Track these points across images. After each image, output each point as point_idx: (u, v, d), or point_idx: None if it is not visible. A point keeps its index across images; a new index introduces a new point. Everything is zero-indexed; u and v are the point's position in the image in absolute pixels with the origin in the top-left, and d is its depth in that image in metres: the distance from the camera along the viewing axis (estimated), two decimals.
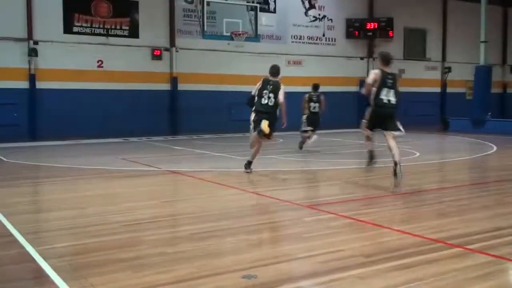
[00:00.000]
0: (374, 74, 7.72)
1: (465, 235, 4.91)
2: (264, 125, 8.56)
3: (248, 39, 17.41)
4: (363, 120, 7.79)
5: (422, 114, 22.84)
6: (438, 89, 25.35)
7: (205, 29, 16.89)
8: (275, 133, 9.35)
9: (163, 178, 8.94)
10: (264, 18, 19.73)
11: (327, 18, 22.02)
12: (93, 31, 17.30)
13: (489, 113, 19.44)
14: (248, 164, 9.02)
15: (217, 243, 4.67)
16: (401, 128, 7.44)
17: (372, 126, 7.62)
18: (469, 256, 4.24)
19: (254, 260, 4.15)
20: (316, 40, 21.83)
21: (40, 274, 3.91)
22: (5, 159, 11.12)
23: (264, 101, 8.78)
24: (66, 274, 3.81)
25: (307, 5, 21.52)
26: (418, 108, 23.01)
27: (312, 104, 12.66)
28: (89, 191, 7.47)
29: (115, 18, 17.66)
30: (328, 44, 22.11)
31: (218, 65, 19.21)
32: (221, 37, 17.44)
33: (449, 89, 25.42)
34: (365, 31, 22.40)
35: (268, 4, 20.36)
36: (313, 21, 21.69)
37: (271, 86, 8.85)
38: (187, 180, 8.52)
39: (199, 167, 9.78)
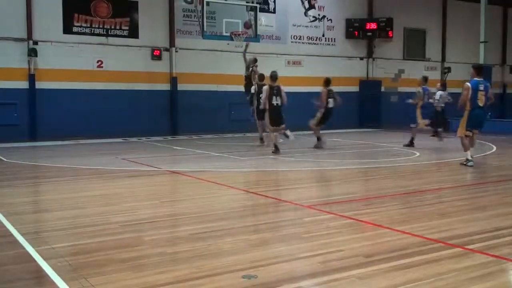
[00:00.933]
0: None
1: (465, 235, 4.91)
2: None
3: (248, 39, 17.39)
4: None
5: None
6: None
7: (205, 29, 16.86)
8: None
9: (163, 178, 8.94)
10: (263, 18, 19.72)
11: (327, 18, 22.02)
12: (92, 31, 17.30)
13: (489, 113, 19.43)
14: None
15: (217, 243, 4.67)
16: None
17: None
18: (469, 256, 4.24)
19: (254, 260, 4.15)
20: (316, 40, 21.82)
21: (40, 274, 3.91)
22: (5, 159, 11.12)
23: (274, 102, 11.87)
24: (66, 274, 3.81)
25: (306, 5, 21.52)
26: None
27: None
28: (89, 191, 7.46)
29: (114, 18, 17.65)
30: (328, 44, 22.11)
31: (218, 65, 19.21)
32: (220, 37, 17.43)
33: (449, 89, 25.38)
34: (364, 31, 22.39)
35: (267, 4, 20.36)
36: (313, 21, 21.68)
37: (275, 91, 11.87)
38: (187, 180, 8.51)
39: (199, 167, 9.78)
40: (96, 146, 14.35)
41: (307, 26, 21.51)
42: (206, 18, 16.82)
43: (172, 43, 18.57)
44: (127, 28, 17.87)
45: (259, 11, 18.17)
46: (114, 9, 17.60)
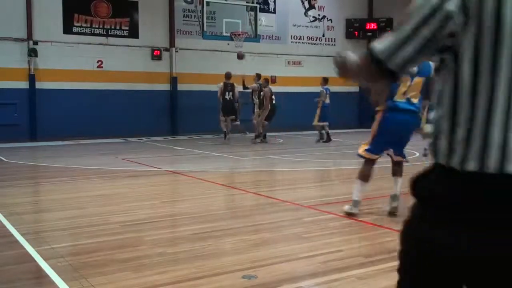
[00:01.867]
0: None
1: None
2: None
3: (248, 39, 17.40)
4: None
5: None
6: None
7: (205, 29, 16.88)
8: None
9: (163, 178, 8.94)
10: (263, 19, 19.73)
11: (327, 18, 22.02)
12: (92, 31, 17.30)
13: None
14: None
15: (217, 243, 4.67)
16: None
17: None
18: None
19: (254, 260, 4.16)
20: (316, 40, 21.83)
21: (40, 275, 3.91)
22: (5, 159, 11.12)
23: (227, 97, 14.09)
24: (66, 275, 3.81)
25: (306, 6, 21.52)
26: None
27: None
28: (89, 191, 7.46)
29: (114, 18, 17.65)
30: (328, 44, 22.11)
31: (218, 65, 19.19)
32: (220, 37, 17.44)
33: None
34: (365, 31, 22.40)
35: (267, 4, 20.36)
36: (313, 21, 21.69)
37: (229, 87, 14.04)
38: (187, 180, 8.51)
39: (199, 167, 9.78)
40: (96, 146, 14.36)
41: (307, 26, 21.51)
42: (206, 18, 16.83)
43: (172, 43, 18.57)
44: (127, 28, 17.87)
45: (259, 11, 18.18)
46: (114, 9, 17.60)
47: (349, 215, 5.59)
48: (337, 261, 4.11)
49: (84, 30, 17.19)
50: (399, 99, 5.35)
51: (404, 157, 5.77)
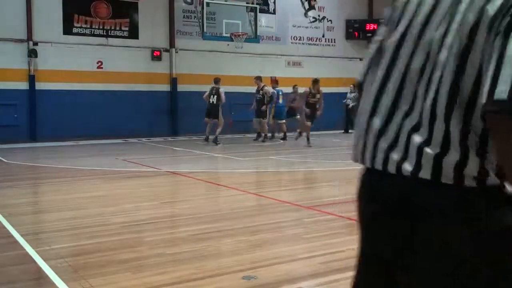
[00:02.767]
0: None
1: None
2: None
3: (248, 40, 17.41)
4: None
5: None
6: None
7: (205, 30, 16.88)
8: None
9: (163, 179, 8.93)
10: (263, 19, 19.73)
11: (327, 19, 22.02)
12: (92, 32, 17.30)
13: None
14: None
15: (217, 244, 4.67)
16: None
17: None
18: None
19: (254, 261, 4.15)
20: (316, 41, 21.82)
21: (40, 275, 3.91)
22: (5, 160, 11.12)
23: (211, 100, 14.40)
24: (66, 275, 3.80)
25: (306, 6, 21.52)
26: None
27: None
28: (89, 192, 7.46)
29: (114, 19, 17.65)
30: (328, 45, 22.11)
31: (218, 66, 19.19)
32: (220, 38, 17.44)
33: None
34: (365, 32, 22.38)
35: (267, 5, 20.36)
36: (313, 22, 21.68)
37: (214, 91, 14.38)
38: (187, 181, 8.51)
39: (199, 168, 9.78)
40: (96, 147, 14.36)
41: (307, 27, 21.51)
42: (206, 19, 16.83)
43: (172, 44, 18.57)
44: (127, 29, 17.87)
45: (259, 12, 18.19)
46: (114, 10, 17.60)
47: None
48: (337, 261, 4.11)
49: (84, 31, 17.18)
50: None
51: None
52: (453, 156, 1.19)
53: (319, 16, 21.83)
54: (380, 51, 1.42)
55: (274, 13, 20.62)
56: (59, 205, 6.60)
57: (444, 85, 1.20)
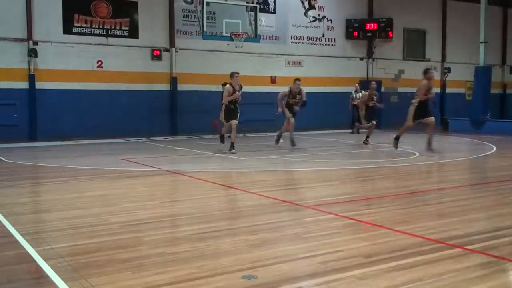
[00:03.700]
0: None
1: (465, 235, 4.91)
2: None
3: (248, 39, 17.40)
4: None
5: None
6: (437, 90, 25.32)
7: (205, 29, 16.87)
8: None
9: (163, 178, 8.94)
10: (263, 19, 19.73)
11: (327, 18, 22.02)
12: (92, 32, 17.30)
13: (489, 114, 19.46)
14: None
15: (217, 244, 4.67)
16: None
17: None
18: (469, 257, 4.23)
19: (254, 260, 4.15)
20: (316, 40, 21.83)
21: (40, 275, 3.91)
22: (5, 160, 11.12)
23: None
24: (66, 275, 3.81)
25: (306, 6, 21.52)
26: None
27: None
28: (89, 191, 7.46)
29: (114, 19, 17.65)
30: (328, 44, 22.11)
31: (218, 66, 19.20)
32: (220, 37, 17.43)
33: (448, 90, 25.43)
34: (364, 32, 22.39)
35: (267, 4, 20.36)
36: (313, 21, 21.69)
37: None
38: (187, 181, 8.51)
39: (199, 168, 9.78)
40: (96, 146, 14.36)
41: (307, 27, 21.51)
42: (206, 19, 16.82)
43: (172, 43, 18.57)
44: (127, 28, 17.87)
45: (259, 12, 18.17)
46: (114, 9, 17.60)
47: None
48: (337, 261, 4.11)
49: (84, 30, 17.18)
50: None
51: None
52: None
53: (319, 15, 21.83)
54: None
55: (274, 12, 20.62)
56: (59, 204, 6.60)
57: None
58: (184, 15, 18.82)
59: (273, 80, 20.37)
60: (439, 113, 24.52)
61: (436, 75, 25.10)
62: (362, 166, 10.37)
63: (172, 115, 18.63)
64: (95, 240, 4.78)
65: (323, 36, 21.98)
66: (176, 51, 18.63)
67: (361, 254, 4.29)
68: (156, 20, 18.37)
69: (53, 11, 16.64)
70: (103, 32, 17.48)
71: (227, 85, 12.29)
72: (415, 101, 11.91)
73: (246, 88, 18.41)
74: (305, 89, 20.77)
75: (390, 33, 22.32)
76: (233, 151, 11.94)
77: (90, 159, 11.37)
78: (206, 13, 16.80)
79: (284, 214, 6.03)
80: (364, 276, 3.76)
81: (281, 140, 13.52)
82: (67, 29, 16.92)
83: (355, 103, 18.33)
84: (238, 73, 12.23)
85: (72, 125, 16.59)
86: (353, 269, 3.92)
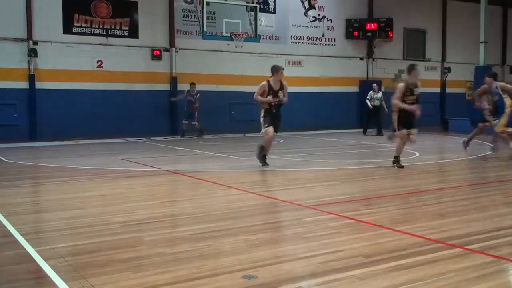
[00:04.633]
0: None
1: (465, 235, 4.91)
2: None
3: (248, 39, 17.41)
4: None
5: (422, 114, 22.80)
6: (437, 90, 25.35)
7: (205, 29, 16.87)
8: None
9: (163, 178, 8.94)
10: (263, 19, 19.73)
11: (327, 18, 22.02)
12: (92, 32, 17.30)
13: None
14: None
15: (217, 244, 4.67)
16: None
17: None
18: (469, 257, 4.24)
19: (254, 260, 4.15)
20: (316, 40, 21.82)
21: (40, 275, 3.91)
22: (5, 159, 11.12)
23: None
24: (66, 275, 3.81)
25: (306, 6, 21.52)
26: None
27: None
28: (89, 191, 7.46)
29: (114, 19, 17.65)
30: (328, 44, 22.11)
31: (218, 66, 19.22)
32: (220, 37, 17.44)
33: (448, 90, 25.43)
34: (364, 32, 22.39)
35: (267, 4, 20.36)
36: (313, 21, 21.68)
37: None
38: (187, 181, 8.51)
39: (199, 167, 9.78)
40: (96, 146, 14.36)
41: (307, 26, 21.51)
42: (206, 18, 16.83)
43: (172, 43, 18.57)
44: (127, 28, 17.87)
45: (259, 11, 18.18)
46: (114, 9, 17.60)
47: None
48: (337, 261, 4.11)
49: (84, 30, 17.18)
50: None
51: None
52: None
53: (319, 15, 21.83)
54: None
55: (274, 12, 20.62)
56: (59, 204, 6.60)
57: None
58: (184, 15, 18.82)
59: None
60: (439, 113, 24.57)
61: (436, 75, 25.17)
62: (362, 166, 10.37)
63: (172, 115, 18.63)
64: (95, 240, 4.78)
65: (323, 36, 21.98)
66: (176, 51, 18.63)
67: (361, 254, 4.29)
68: (156, 20, 18.37)
69: (53, 11, 16.64)
70: (103, 32, 17.48)
71: (263, 82, 9.52)
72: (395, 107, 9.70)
73: (245, 88, 18.45)
74: (305, 89, 20.89)
75: (390, 33, 22.32)
76: (265, 164, 9.68)
77: (90, 159, 11.37)
78: (206, 13, 16.80)
79: (284, 214, 6.03)
80: (364, 276, 3.76)
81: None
82: (67, 29, 16.92)
83: (374, 104, 17.90)
84: (283, 69, 9.49)
85: (72, 125, 16.59)
86: (353, 269, 3.92)
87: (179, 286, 3.62)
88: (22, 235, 4.92)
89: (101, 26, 17.45)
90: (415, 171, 9.60)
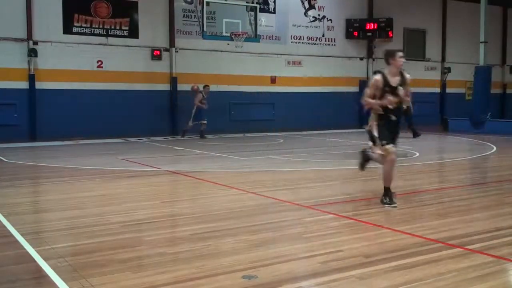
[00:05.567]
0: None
1: (465, 235, 4.91)
2: None
3: (248, 39, 17.41)
4: None
5: (422, 114, 22.80)
6: (437, 90, 25.36)
7: (205, 29, 16.87)
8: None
9: (163, 178, 8.93)
10: (263, 19, 19.73)
11: (327, 18, 22.02)
12: (92, 32, 17.30)
13: (489, 114, 19.45)
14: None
15: (217, 244, 4.67)
16: None
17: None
18: (469, 257, 4.24)
19: (254, 260, 4.15)
20: (316, 40, 21.83)
21: (40, 275, 3.91)
22: (5, 159, 11.12)
23: None
24: (66, 275, 3.81)
25: (306, 6, 21.52)
26: (418, 108, 23.01)
27: None
28: (89, 191, 7.46)
29: (114, 19, 17.65)
30: (328, 44, 22.11)
31: (218, 66, 19.22)
32: (220, 37, 17.44)
33: (448, 90, 25.44)
34: (364, 32, 22.39)
35: (267, 4, 20.36)
36: (313, 21, 21.69)
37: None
38: (187, 181, 8.51)
39: (199, 168, 9.78)
40: (96, 146, 14.35)
41: (307, 26, 21.51)
42: (206, 18, 16.83)
43: (172, 43, 18.57)
44: (127, 28, 17.87)
45: (259, 11, 18.18)
46: (114, 9, 17.60)
47: None
48: (337, 261, 4.11)
49: (84, 30, 17.18)
50: None
51: None
52: None
53: (319, 15, 21.83)
54: None
55: (274, 12, 20.62)
56: (59, 204, 6.60)
57: None
58: (184, 15, 18.82)
59: (273, 80, 20.36)
60: (439, 113, 24.58)
61: (436, 75, 25.16)
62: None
63: (172, 115, 18.63)
64: (95, 240, 4.78)
65: (323, 36, 21.98)
66: (176, 51, 18.63)
67: (361, 254, 4.30)
68: (156, 20, 18.37)
69: (53, 11, 16.64)
70: (103, 32, 17.48)
71: (376, 75, 6.37)
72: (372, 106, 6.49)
73: (245, 88, 18.48)
74: (305, 89, 20.90)
75: (390, 33, 22.32)
76: (392, 204, 6.29)
77: (90, 159, 11.37)
78: (206, 13, 16.81)
79: (284, 214, 6.03)
80: (364, 276, 3.76)
81: None
82: (67, 29, 16.92)
83: (405, 104, 17.20)
84: (402, 52, 6.31)
85: (72, 125, 16.59)
86: (353, 269, 3.92)
87: (179, 286, 3.62)
88: (22, 235, 4.92)
89: (101, 26, 17.45)
90: (415, 171, 9.59)
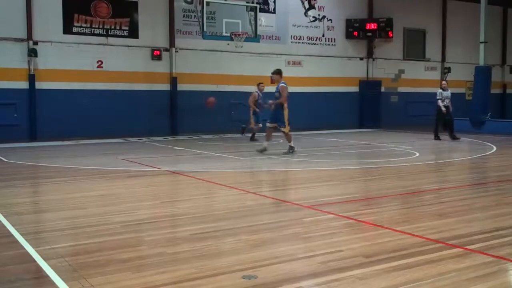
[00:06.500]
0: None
1: (465, 235, 4.91)
2: None
3: (248, 39, 17.41)
4: None
5: (422, 114, 22.81)
6: (437, 90, 25.32)
7: (205, 29, 16.87)
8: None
9: (163, 178, 8.93)
10: (263, 19, 19.73)
11: (327, 18, 22.02)
12: (92, 32, 17.30)
13: (489, 114, 19.46)
14: None
15: (217, 244, 4.67)
16: None
17: None
18: (469, 257, 4.24)
19: (254, 260, 4.16)
20: (316, 40, 21.83)
21: (40, 275, 3.91)
22: (5, 159, 11.12)
23: None
24: (66, 275, 3.81)
25: (306, 6, 21.52)
26: (418, 108, 23.05)
27: None
28: (89, 191, 7.46)
29: (114, 19, 17.65)
30: (328, 44, 22.11)
31: (218, 66, 19.22)
32: (220, 37, 17.44)
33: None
34: (364, 32, 22.40)
35: (267, 4, 20.36)
36: (313, 21, 21.69)
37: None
38: (187, 181, 8.51)
39: (199, 167, 9.78)
40: (96, 146, 14.35)
41: (307, 26, 21.51)
42: (206, 18, 16.83)
43: (172, 43, 18.57)
44: (127, 28, 17.87)
45: (259, 11, 18.19)
46: (114, 9, 17.60)
47: None
48: (337, 261, 4.11)
49: (84, 30, 17.18)
50: None
51: None
52: None
53: (319, 15, 21.83)
54: None
55: (274, 12, 20.63)
56: (59, 204, 6.60)
57: None
58: (184, 15, 18.82)
59: (273, 80, 20.36)
60: None
61: (436, 75, 25.17)
62: (362, 166, 10.38)
63: (172, 115, 18.63)
64: (95, 240, 4.78)
65: (323, 36, 21.98)
66: (176, 51, 18.63)
67: (361, 254, 4.30)
68: (156, 20, 18.37)
69: (53, 11, 16.64)
70: (103, 32, 17.48)
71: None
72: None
73: (245, 88, 18.44)
74: (305, 89, 20.90)
75: (390, 33, 22.32)
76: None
77: (90, 159, 11.37)
78: (206, 13, 16.81)
79: (284, 214, 6.03)
80: (364, 276, 3.76)
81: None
82: (67, 29, 16.92)
83: (446, 104, 15.99)
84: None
85: (72, 125, 16.59)
86: (353, 269, 3.92)
87: (179, 286, 3.62)
88: (22, 235, 4.92)
89: (101, 26, 17.45)
90: (415, 171, 9.60)
